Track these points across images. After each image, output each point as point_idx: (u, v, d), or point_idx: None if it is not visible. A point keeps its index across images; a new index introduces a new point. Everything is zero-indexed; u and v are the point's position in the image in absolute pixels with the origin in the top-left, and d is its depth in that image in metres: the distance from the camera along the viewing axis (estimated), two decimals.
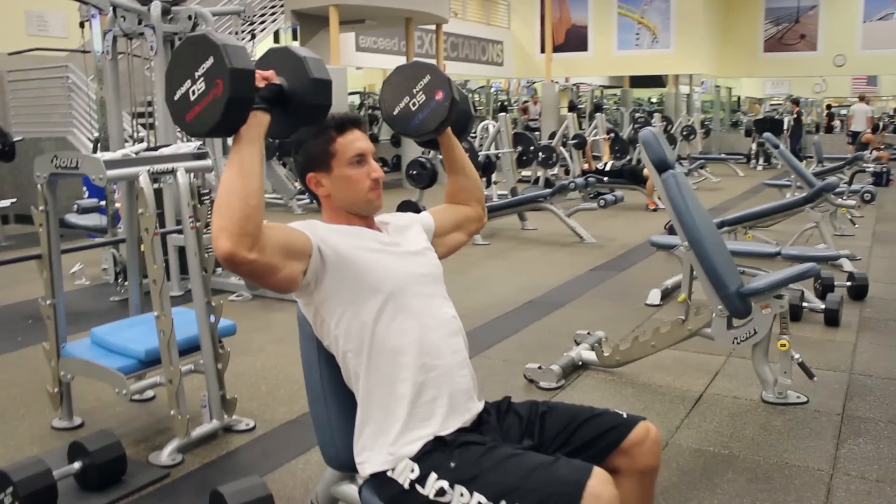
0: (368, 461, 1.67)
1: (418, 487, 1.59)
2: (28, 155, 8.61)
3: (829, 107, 22.75)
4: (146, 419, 3.31)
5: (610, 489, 1.47)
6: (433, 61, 14.83)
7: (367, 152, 1.76)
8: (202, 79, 1.50)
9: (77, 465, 2.64)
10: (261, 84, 1.55)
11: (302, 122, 1.64)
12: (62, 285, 3.14)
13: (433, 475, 1.58)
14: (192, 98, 1.52)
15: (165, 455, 2.85)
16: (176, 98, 1.55)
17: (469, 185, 2.04)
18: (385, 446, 1.65)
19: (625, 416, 1.75)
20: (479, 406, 1.77)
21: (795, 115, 16.95)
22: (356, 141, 1.75)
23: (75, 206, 5.98)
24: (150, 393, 3.45)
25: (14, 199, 8.19)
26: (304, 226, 1.68)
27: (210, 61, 1.49)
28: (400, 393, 1.66)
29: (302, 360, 1.82)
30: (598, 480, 1.47)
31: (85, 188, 7.15)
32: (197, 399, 3.16)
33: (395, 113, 1.94)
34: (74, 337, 3.34)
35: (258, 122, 1.54)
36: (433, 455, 1.62)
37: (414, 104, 1.91)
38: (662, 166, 3.35)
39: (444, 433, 1.65)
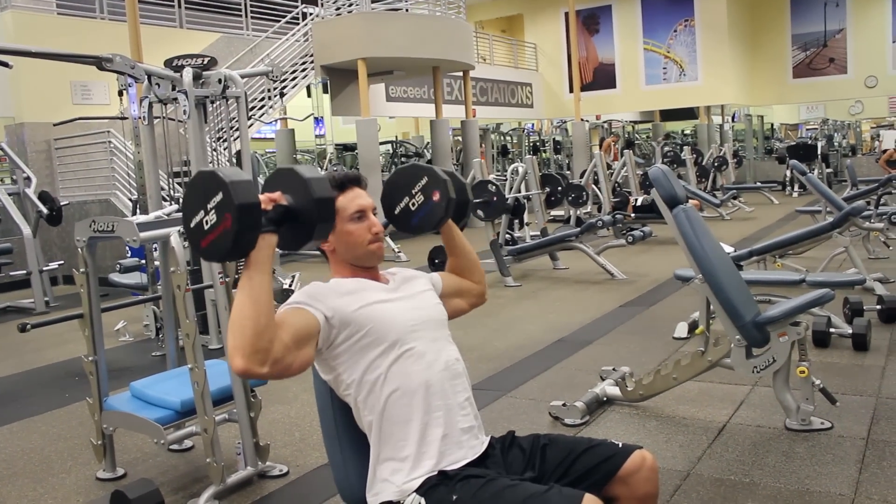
0: (379, 494, 1.78)
1: None
2: (74, 218, 9.01)
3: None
4: (185, 468, 3.45)
5: None
6: (463, 107, 15.14)
7: (367, 208, 1.89)
8: (213, 211, 1.61)
9: None
10: (268, 206, 1.67)
11: (308, 237, 1.74)
12: (103, 342, 3.32)
13: None
14: (206, 227, 1.63)
15: (202, 501, 2.97)
16: (192, 225, 1.66)
17: (469, 266, 2.18)
18: (395, 484, 1.76)
19: (620, 445, 1.83)
20: (484, 442, 1.87)
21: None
22: (356, 198, 1.89)
23: (118, 266, 6.25)
24: (188, 443, 3.60)
25: (62, 262, 8.53)
26: (309, 296, 1.78)
27: (220, 196, 1.60)
28: (408, 433, 1.77)
29: (317, 402, 1.94)
30: None
31: (127, 248, 7.44)
32: (232, 447, 3.30)
33: (395, 212, 2.08)
34: (118, 392, 3.51)
35: (267, 243, 1.65)
36: (438, 489, 1.72)
37: (413, 204, 2.04)
38: (672, 202, 3.44)
39: (449, 468, 1.75)
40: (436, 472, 1.74)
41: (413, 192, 2.03)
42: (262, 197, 1.66)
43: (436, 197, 2.00)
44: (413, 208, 2.04)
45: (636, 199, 11.18)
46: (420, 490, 1.73)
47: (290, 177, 1.72)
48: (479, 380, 4.42)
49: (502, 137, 21.38)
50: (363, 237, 1.88)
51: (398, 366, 1.79)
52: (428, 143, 18.26)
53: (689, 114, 21.97)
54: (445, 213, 2.01)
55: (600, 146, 13.78)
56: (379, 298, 1.86)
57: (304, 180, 1.69)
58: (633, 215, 10.38)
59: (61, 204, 8.57)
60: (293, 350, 1.67)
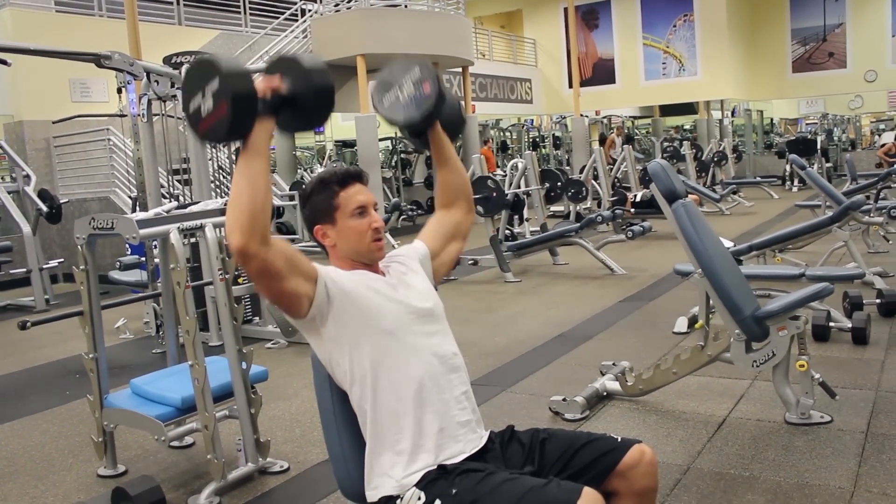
0: (378, 488, 1.79)
1: None
2: (74, 216, 9.00)
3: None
4: (186, 465, 3.45)
5: None
6: (462, 103, 15.12)
7: (368, 204, 1.89)
8: (210, 97, 1.65)
9: None
10: (267, 93, 1.69)
11: (306, 124, 1.78)
12: (103, 340, 3.32)
13: (437, 501, 1.69)
14: (203, 113, 1.67)
15: (203, 498, 2.98)
16: (190, 110, 1.70)
17: (457, 180, 2.13)
18: (393, 478, 1.77)
19: (619, 439, 1.83)
20: (483, 436, 1.88)
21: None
22: (357, 194, 1.89)
23: (118, 264, 6.25)
24: (189, 440, 3.60)
25: (62, 259, 8.53)
26: (317, 264, 1.82)
27: (216, 83, 1.64)
28: (403, 426, 1.78)
29: (316, 396, 1.95)
30: (588, 500, 1.56)
31: (127, 246, 7.43)
32: (233, 443, 3.30)
33: (384, 104, 2.03)
34: (119, 389, 3.51)
35: (263, 128, 1.69)
36: (437, 483, 1.72)
37: (403, 96, 1.99)
38: (672, 197, 3.44)
39: (447, 462, 1.76)
40: (435, 467, 1.75)
41: (403, 83, 1.99)
42: (261, 84, 1.68)
43: (426, 89, 1.95)
44: (402, 100, 1.99)
45: (635, 195, 11.17)
46: (420, 484, 1.74)
47: (292, 64, 1.74)
48: (479, 375, 4.43)
49: (502, 133, 21.35)
50: (364, 233, 1.88)
51: (392, 359, 1.80)
52: None
53: (688, 109, 21.93)
54: (435, 108, 1.95)
55: (601, 143, 13.75)
56: (377, 288, 1.87)
57: (306, 69, 1.72)
58: (632, 210, 10.38)
59: (61, 202, 8.57)
60: (286, 264, 1.71)
